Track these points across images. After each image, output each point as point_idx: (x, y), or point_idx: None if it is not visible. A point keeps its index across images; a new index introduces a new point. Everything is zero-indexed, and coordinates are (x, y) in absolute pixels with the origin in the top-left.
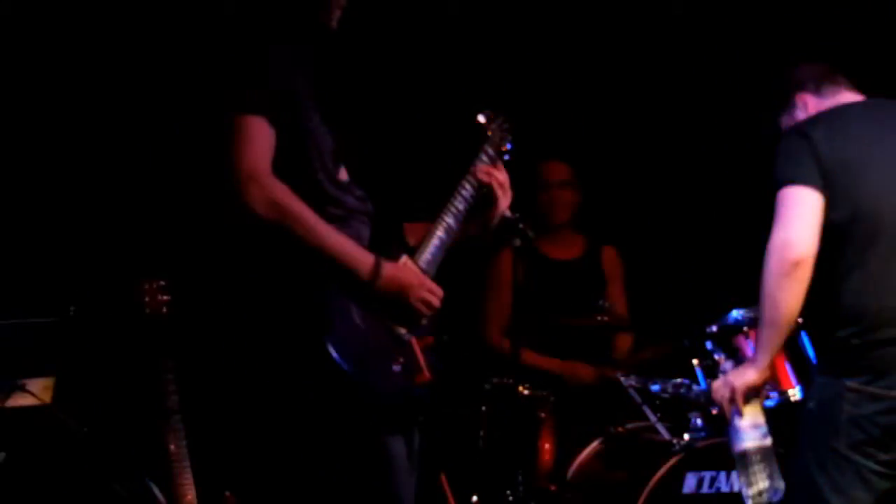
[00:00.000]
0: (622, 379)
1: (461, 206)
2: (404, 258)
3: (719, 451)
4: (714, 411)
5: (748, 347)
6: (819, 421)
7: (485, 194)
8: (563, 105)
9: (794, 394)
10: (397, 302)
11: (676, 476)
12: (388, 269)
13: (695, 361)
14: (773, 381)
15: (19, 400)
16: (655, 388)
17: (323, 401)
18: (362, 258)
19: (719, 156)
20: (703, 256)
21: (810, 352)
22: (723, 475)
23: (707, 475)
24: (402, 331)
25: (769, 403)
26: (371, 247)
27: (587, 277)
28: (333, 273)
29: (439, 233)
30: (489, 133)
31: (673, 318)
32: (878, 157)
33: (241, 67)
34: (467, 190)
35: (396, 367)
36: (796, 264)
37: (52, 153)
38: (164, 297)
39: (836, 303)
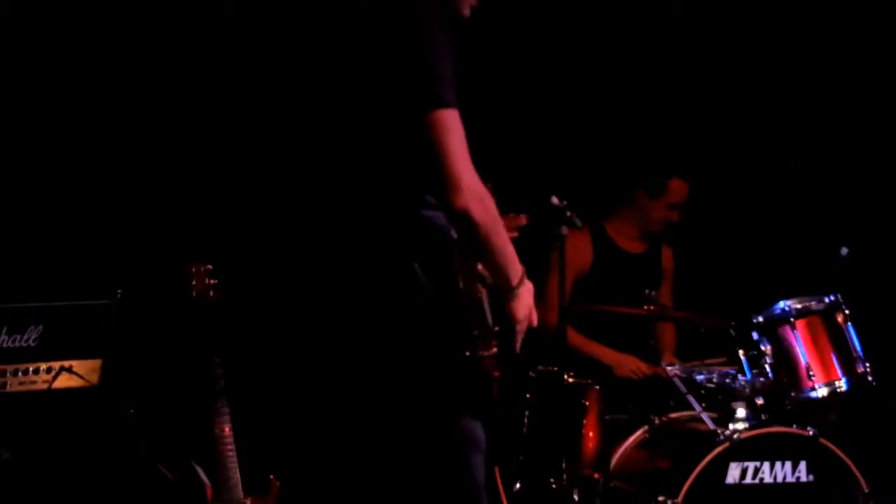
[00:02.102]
0: (668, 368)
1: None
2: None
3: (763, 442)
4: (759, 401)
5: (794, 338)
6: None
7: None
8: (607, 99)
9: (841, 385)
10: (514, 310)
11: (720, 466)
12: (528, 285)
13: (741, 351)
14: (821, 374)
15: (67, 381)
16: (700, 377)
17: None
18: (519, 267)
19: (767, 147)
20: (750, 248)
21: (857, 344)
22: (766, 466)
23: (751, 465)
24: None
25: (816, 395)
26: None
27: (651, 272)
28: (498, 269)
29: None
30: (567, 214)
31: (720, 308)
32: None
33: (432, 60)
34: None
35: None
36: None
37: (100, 137)
38: (211, 281)
39: None
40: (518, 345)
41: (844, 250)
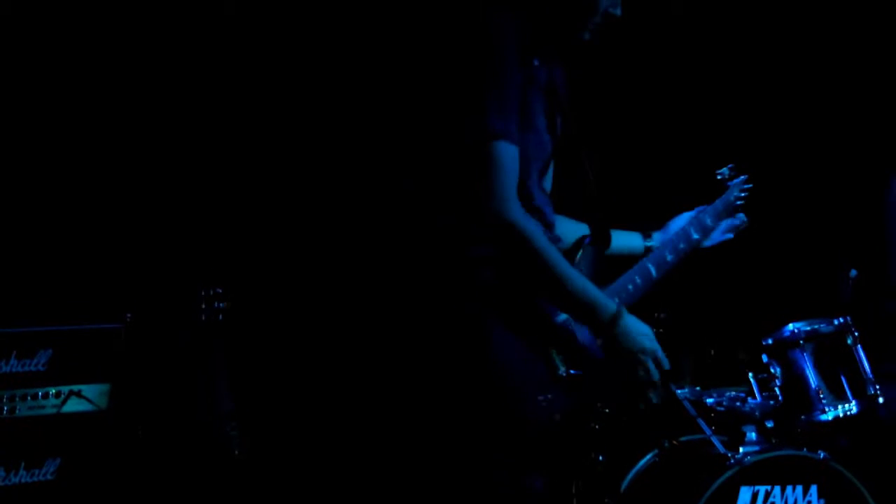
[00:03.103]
0: (677, 391)
1: (671, 258)
2: None
3: (774, 466)
4: (769, 425)
5: (804, 361)
6: None
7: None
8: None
9: (851, 408)
10: (622, 357)
11: (731, 491)
12: (630, 321)
13: (750, 374)
14: (831, 396)
15: (76, 405)
16: (710, 400)
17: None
18: (605, 303)
19: (775, 168)
20: (759, 270)
21: (867, 367)
22: (777, 490)
23: (762, 490)
24: (562, 368)
25: (826, 418)
26: None
27: None
28: (570, 309)
29: (636, 277)
30: (727, 188)
31: (729, 331)
32: None
33: (492, 91)
34: (680, 242)
35: (542, 398)
36: None
37: (112, 161)
38: (222, 304)
39: None
40: (646, 397)
41: (854, 273)
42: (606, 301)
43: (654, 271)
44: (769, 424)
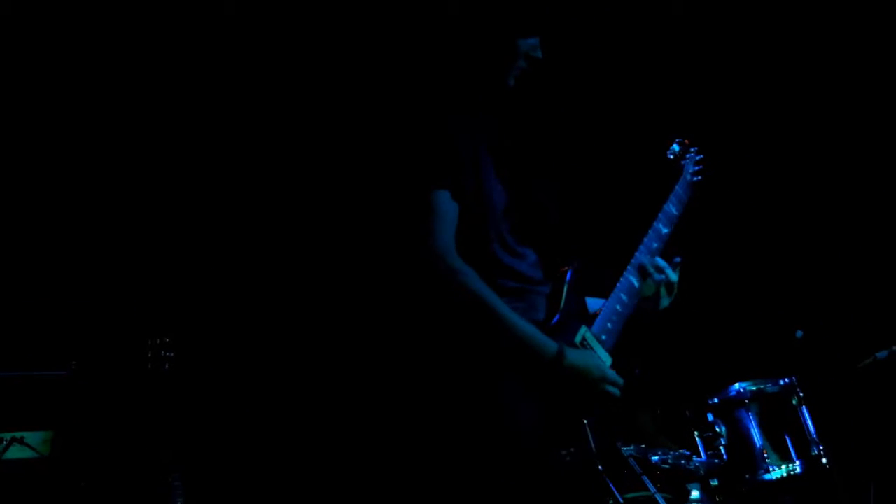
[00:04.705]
0: (622, 448)
1: (647, 261)
2: (583, 331)
3: None
4: (714, 483)
5: (749, 420)
6: None
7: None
8: None
9: (795, 468)
10: (577, 389)
11: None
12: (571, 356)
13: (696, 433)
14: (775, 456)
15: (18, 452)
16: (655, 458)
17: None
18: (546, 345)
19: (723, 227)
20: (706, 330)
21: (811, 427)
22: None
23: None
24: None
25: (770, 477)
26: (547, 315)
27: None
28: (515, 355)
29: (621, 294)
30: (682, 167)
31: (675, 389)
32: None
33: (427, 139)
34: (653, 241)
35: (564, 453)
36: None
37: (61, 209)
38: (168, 353)
39: None
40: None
41: (799, 333)
42: (547, 341)
43: (635, 281)
44: (714, 483)
